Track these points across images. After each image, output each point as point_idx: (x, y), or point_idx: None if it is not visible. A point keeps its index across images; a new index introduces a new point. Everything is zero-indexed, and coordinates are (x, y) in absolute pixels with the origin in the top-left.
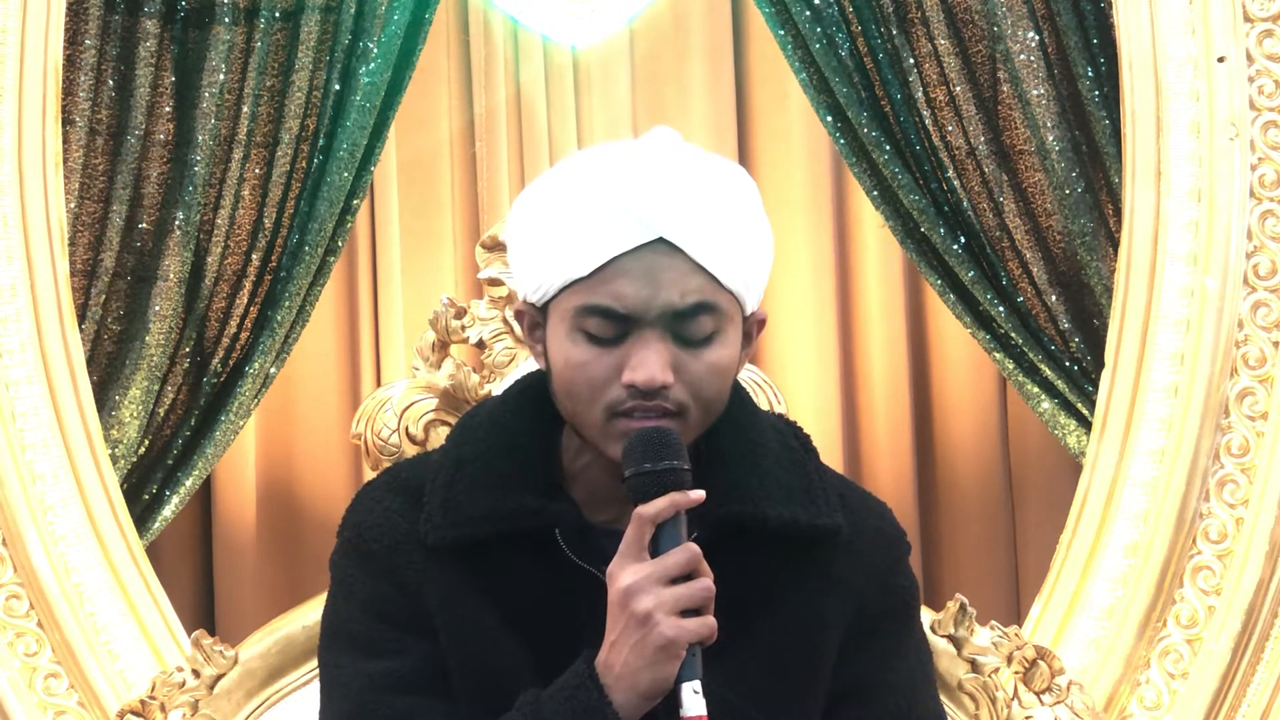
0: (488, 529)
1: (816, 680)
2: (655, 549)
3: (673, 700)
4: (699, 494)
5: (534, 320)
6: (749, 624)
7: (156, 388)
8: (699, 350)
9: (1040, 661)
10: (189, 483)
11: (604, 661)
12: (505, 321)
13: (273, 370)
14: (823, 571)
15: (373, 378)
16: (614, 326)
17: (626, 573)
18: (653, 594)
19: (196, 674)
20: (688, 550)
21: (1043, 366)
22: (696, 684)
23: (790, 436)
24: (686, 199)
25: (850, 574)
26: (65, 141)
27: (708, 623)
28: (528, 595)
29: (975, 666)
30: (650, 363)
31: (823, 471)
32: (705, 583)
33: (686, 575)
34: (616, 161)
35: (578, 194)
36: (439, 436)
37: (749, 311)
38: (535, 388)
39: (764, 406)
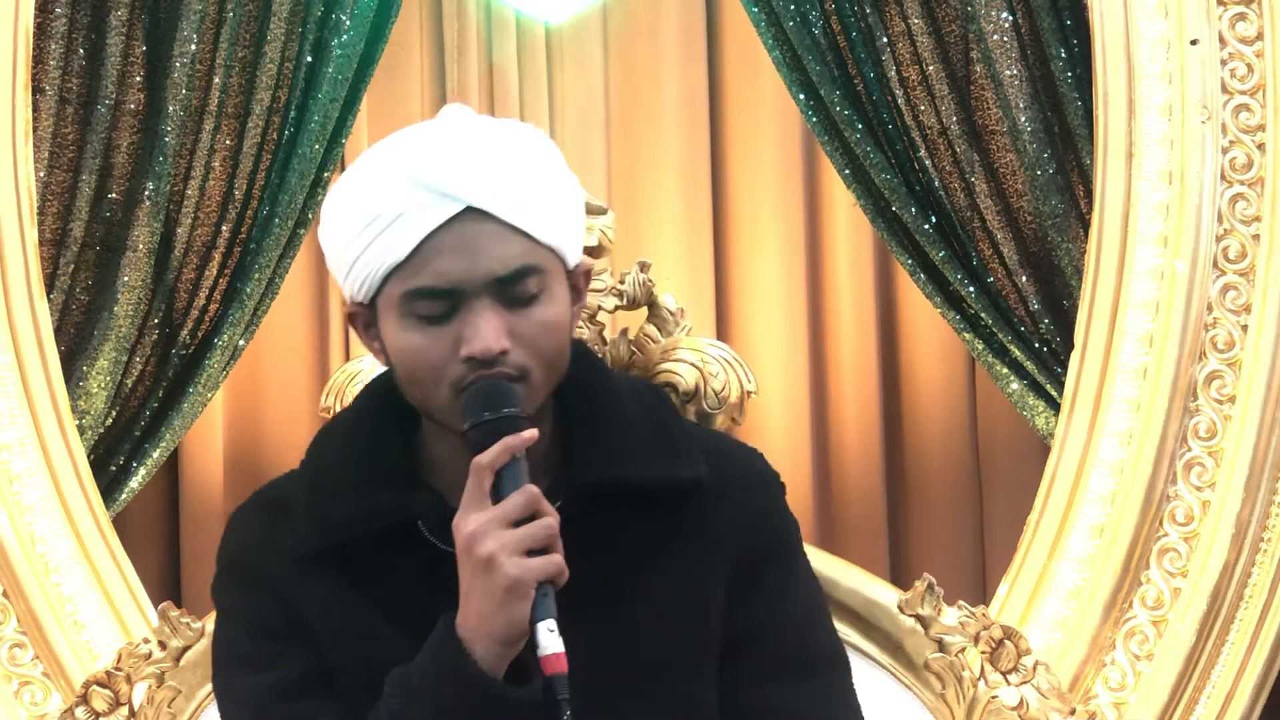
0: (351, 532)
1: (705, 634)
2: (498, 496)
3: (534, 645)
4: (531, 433)
5: (366, 319)
6: (628, 586)
7: (125, 359)
8: (528, 310)
9: (1007, 641)
10: (156, 454)
11: (461, 616)
12: None
13: (241, 343)
14: (695, 524)
15: (341, 351)
16: (442, 304)
17: (468, 521)
18: (494, 537)
19: (163, 645)
20: (526, 492)
21: (1012, 347)
22: (551, 622)
23: (648, 395)
24: (487, 165)
25: (724, 522)
26: (35, 110)
27: (553, 560)
28: (402, 590)
29: (942, 646)
30: (483, 332)
31: (683, 425)
32: (547, 521)
33: (531, 517)
34: (410, 142)
35: (378, 182)
36: None
37: (571, 265)
38: (386, 387)
39: (734, 384)
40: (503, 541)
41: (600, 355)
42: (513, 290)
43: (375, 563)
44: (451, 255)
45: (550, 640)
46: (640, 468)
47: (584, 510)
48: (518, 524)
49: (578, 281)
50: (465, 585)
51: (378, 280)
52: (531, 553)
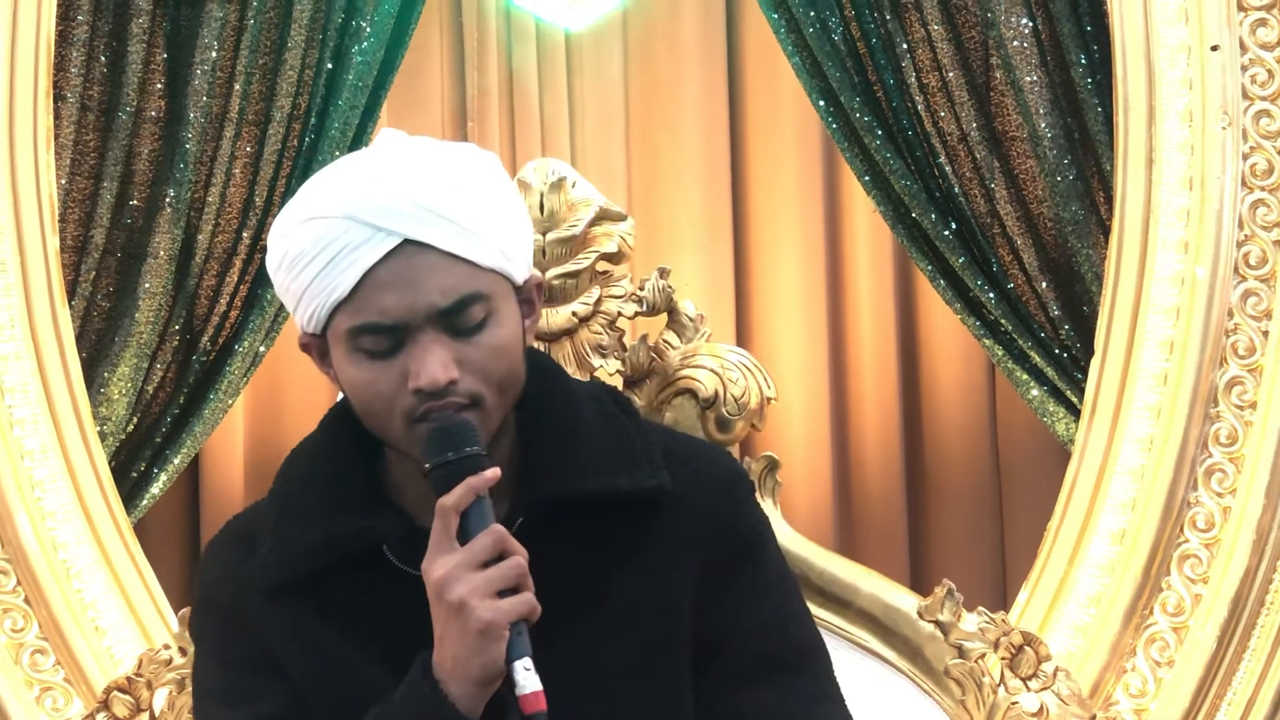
0: (318, 560)
1: (677, 641)
2: (465, 537)
3: (511, 683)
4: (493, 472)
5: (321, 349)
6: (595, 599)
7: (146, 365)
8: (476, 337)
9: (1027, 648)
10: (177, 460)
11: (437, 658)
12: None
13: (262, 349)
14: (660, 530)
15: None
16: (387, 339)
17: (437, 565)
18: (464, 581)
19: (183, 651)
20: (493, 533)
21: (1032, 353)
22: (528, 660)
23: (609, 403)
24: (422, 195)
25: (689, 527)
26: (57, 117)
27: (525, 599)
28: (373, 614)
29: (962, 652)
30: (429, 365)
31: (645, 432)
32: (516, 560)
33: (499, 557)
34: (346, 176)
35: (315, 218)
36: None
37: (520, 281)
38: (349, 412)
39: (754, 391)
40: (473, 585)
41: (620, 361)
42: (457, 320)
43: (345, 590)
44: (393, 290)
45: (527, 679)
46: (600, 479)
47: (547, 522)
48: (487, 564)
49: (529, 295)
50: (439, 630)
51: (325, 315)
52: (503, 593)
